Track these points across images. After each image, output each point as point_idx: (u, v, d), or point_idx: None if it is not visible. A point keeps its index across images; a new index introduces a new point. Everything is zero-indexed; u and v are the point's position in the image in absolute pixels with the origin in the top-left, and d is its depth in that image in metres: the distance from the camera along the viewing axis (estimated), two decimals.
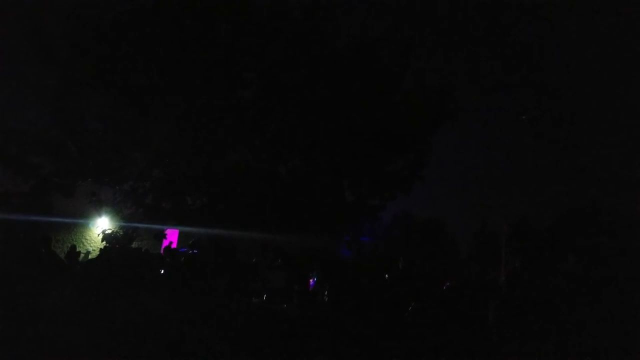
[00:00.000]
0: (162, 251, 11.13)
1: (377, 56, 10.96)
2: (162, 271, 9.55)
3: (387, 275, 9.02)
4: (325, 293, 10.53)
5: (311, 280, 11.28)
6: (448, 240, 31.92)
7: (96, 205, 11.32)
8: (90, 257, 14.28)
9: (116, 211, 11.35)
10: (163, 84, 10.15)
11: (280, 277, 11.11)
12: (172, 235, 14.77)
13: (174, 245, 11.08)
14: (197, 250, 10.13)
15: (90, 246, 16.22)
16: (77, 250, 13.00)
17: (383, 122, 10.84)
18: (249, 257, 11.94)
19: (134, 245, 11.45)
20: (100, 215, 13.29)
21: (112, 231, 11.27)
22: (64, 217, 14.38)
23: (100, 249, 11.22)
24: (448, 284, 8.59)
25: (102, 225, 13.30)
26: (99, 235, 11.64)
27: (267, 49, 10.44)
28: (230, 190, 10.72)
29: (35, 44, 10.28)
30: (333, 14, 10.66)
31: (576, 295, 6.12)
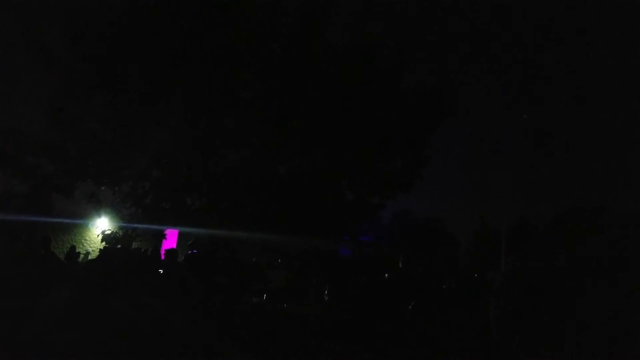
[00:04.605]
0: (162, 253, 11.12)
1: (376, 55, 10.96)
2: (161, 271, 9.54)
3: (386, 274, 9.03)
4: (326, 292, 10.55)
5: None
6: (448, 238, 31.92)
7: (96, 206, 11.31)
8: (90, 257, 14.28)
9: (116, 212, 11.34)
10: (163, 85, 10.15)
11: (280, 277, 11.13)
12: (171, 236, 14.78)
13: (168, 246, 11.07)
14: (196, 251, 10.12)
15: (90, 247, 16.22)
16: (77, 251, 13.01)
17: (382, 121, 10.85)
18: (249, 257, 11.95)
19: (134, 245, 11.45)
20: (99, 215, 13.28)
21: (112, 232, 11.27)
22: (63, 218, 14.37)
23: (100, 249, 11.22)
24: (448, 283, 8.60)
25: (101, 225, 13.30)
26: (98, 235, 11.64)
27: (266, 50, 10.44)
28: (229, 191, 10.71)
29: (35, 44, 10.26)
30: (331, 14, 10.65)
31: (572, 293, 6.12)
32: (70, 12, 9.96)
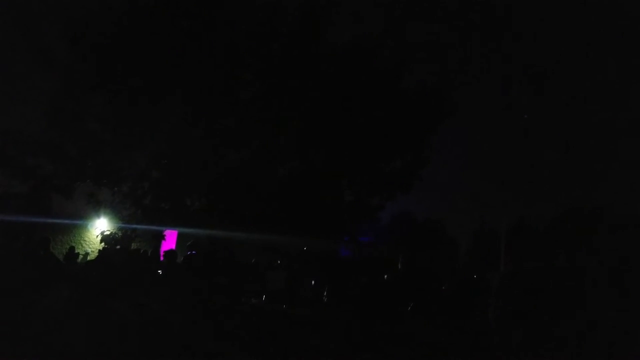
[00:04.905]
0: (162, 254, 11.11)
1: (376, 56, 10.95)
2: (160, 272, 9.54)
3: (386, 275, 9.02)
4: (325, 293, 10.53)
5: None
6: (448, 239, 31.91)
7: (95, 207, 11.28)
8: (89, 258, 14.26)
9: (115, 212, 11.32)
10: (162, 85, 10.14)
11: (280, 278, 11.11)
12: (171, 237, 14.75)
13: (167, 247, 11.06)
14: (195, 251, 10.11)
15: (89, 247, 16.19)
16: (76, 251, 12.98)
17: (382, 121, 10.84)
18: (248, 257, 11.93)
19: (133, 246, 11.43)
20: (99, 216, 13.24)
21: (111, 232, 11.25)
22: (62, 219, 14.36)
23: (99, 250, 11.21)
24: (447, 283, 8.58)
25: (100, 226, 13.26)
26: (97, 236, 11.62)
27: (266, 49, 10.44)
28: (229, 191, 10.70)
29: (34, 45, 10.27)
30: (331, 13, 10.65)
31: (572, 293, 6.11)
32: (70, 12, 9.96)
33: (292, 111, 10.60)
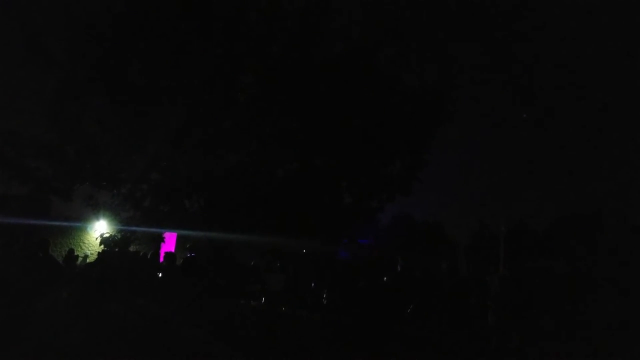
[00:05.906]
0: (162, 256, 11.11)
1: (375, 58, 10.96)
2: (160, 274, 9.54)
3: (385, 277, 9.01)
4: (324, 295, 10.53)
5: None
6: (447, 242, 31.96)
7: (94, 209, 11.26)
8: (88, 260, 14.27)
9: (114, 214, 11.30)
10: (161, 87, 10.15)
11: (279, 280, 11.12)
12: (170, 239, 14.74)
13: (167, 249, 11.05)
14: (194, 254, 10.11)
15: (88, 250, 16.21)
16: (75, 254, 13.00)
17: (381, 123, 10.84)
18: (247, 260, 11.93)
19: (132, 248, 11.42)
20: (98, 218, 13.22)
21: (110, 235, 11.23)
22: (61, 221, 14.39)
23: (98, 252, 11.20)
24: (446, 285, 8.57)
25: (100, 228, 13.27)
26: (96, 238, 11.60)
27: (264, 51, 10.45)
28: (228, 193, 10.70)
29: (32, 47, 10.27)
30: (330, 15, 10.65)
31: (569, 296, 6.13)
32: (70, 12, 9.97)
33: (291, 113, 10.60)
